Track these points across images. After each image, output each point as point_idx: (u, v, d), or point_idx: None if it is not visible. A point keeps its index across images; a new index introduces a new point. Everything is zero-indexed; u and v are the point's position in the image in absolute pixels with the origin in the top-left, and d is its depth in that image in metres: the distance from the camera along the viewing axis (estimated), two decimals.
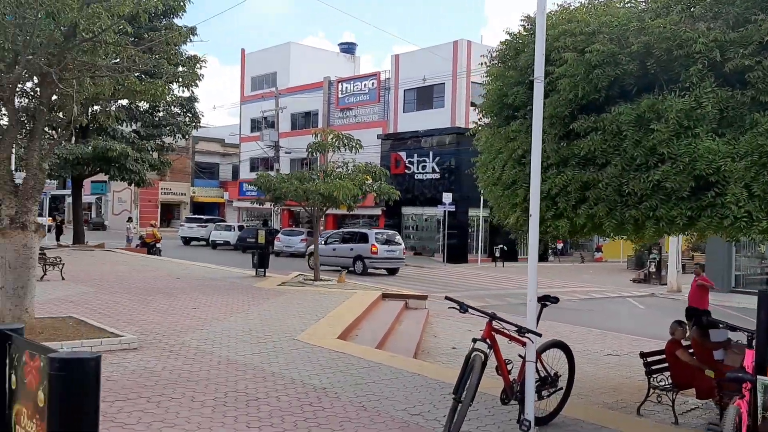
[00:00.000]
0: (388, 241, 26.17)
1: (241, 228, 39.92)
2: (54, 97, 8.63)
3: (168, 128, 27.55)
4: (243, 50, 50.25)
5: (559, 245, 38.60)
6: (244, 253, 35.87)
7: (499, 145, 8.24)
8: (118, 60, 8.52)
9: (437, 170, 34.11)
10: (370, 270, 25.04)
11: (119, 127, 24.67)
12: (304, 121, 44.64)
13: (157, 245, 30.19)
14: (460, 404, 5.62)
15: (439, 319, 15.26)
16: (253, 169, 48.60)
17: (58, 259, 15.24)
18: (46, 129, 10.52)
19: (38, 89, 8.57)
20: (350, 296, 14.93)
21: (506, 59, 8.25)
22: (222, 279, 17.75)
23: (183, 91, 9.21)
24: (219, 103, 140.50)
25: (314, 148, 17.17)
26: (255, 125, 47.91)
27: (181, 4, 19.94)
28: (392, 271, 26.06)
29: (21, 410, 2.31)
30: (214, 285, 16.27)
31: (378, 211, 36.74)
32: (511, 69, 7.98)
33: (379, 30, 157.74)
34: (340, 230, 30.13)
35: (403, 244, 26.99)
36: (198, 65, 9.25)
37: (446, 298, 6.50)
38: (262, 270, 18.38)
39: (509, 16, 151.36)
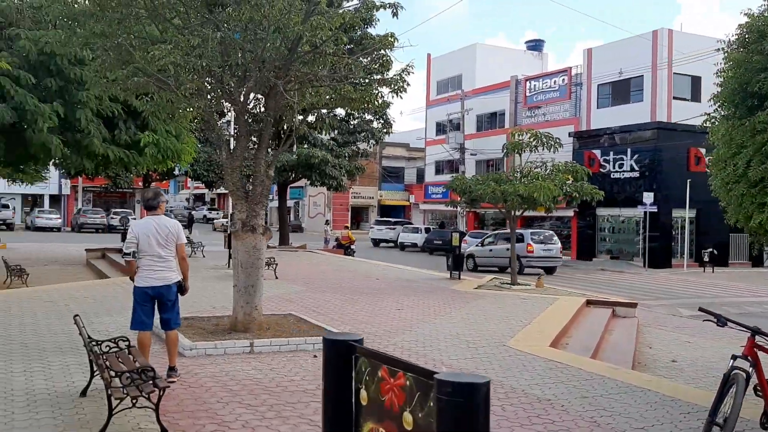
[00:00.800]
0: (544, 241, 26.69)
1: (428, 230, 40.48)
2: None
3: (362, 134, 28.64)
4: (429, 55, 50.99)
5: None
6: (431, 255, 36.40)
7: (741, 138, 7.37)
8: (334, 70, 8.80)
9: (636, 168, 32.07)
10: (526, 269, 25.39)
11: (319, 135, 26.13)
12: (489, 122, 44.26)
13: (351, 247, 31.52)
14: (716, 427, 5.04)
15: (650, 328, 14.20)
16: (438, 172, 49.15)
17: (272, 260, 16.31)
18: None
19: (264, 101, 9.12)
20: (553, 302, 14.36)
21: (748, 43, 7.37)
22: (417, 281, 17.96)
23: (392, 97, 9.32)
24: (403, 109, 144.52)
25: (510, 148, 16.78)
26: (440, 128, 48.40)
27: (373, 15, 20.64)
28: (549, 270, 26.37)
29: (377, 429, 2.25)
30: (411, 286, 16.49)
31: (570, 213, 35.34)
32: (756, 53, 7.11)
33: (563, 26, 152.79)
34: (496, 232, 30.36)
35: (559, 244, 27.21)
36: (406, 71, 9.29)
37: (700, 309, 5.89)
38: (457, 273, 18.34)
39: (706, 3, 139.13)
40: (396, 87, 9.31)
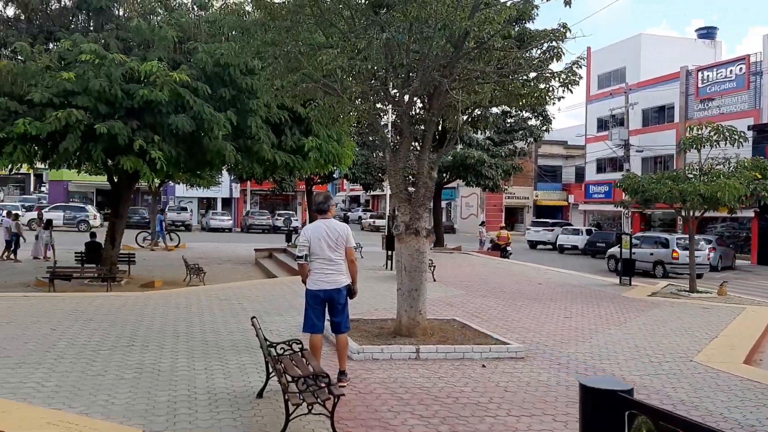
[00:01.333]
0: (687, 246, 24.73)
1: (589, 232, 38.59)
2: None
3: (519, 133, 27.84)
4: (589, 48, 48.69)
5: None
6: (593, 258, 34.61)
7: None
8: (501, 65, 8.42)
9: None
10: (671, 275, 24.76)
11: (474, 134, 25.72)
12: (657, 116, 41.41)
13: (508, 248, 30.75)
14: None
15: None
16: (599, 170, 46.83)
17: (430, 262, 16.17)
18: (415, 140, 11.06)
19: (428, 102, 8.93)
20: (739, 312, 12.95)
21: None
22: (584, 286, 17.01)
23: (564, 91, 8.74)
24: (560, 105, 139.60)
25: (688, 144, 15.38)
26: (601, 125, 46.08)
27: (532, 10, 19.86)
28: (697, 276, 24.27)
29: None
30: (577, 292, 15.63)
31: (750, 213, 32.12)
32: None
33: (732, 12, 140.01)
34: (644, 234, 29.11)
35: (706, 250, 26.11)
36: (576, 64, 8.68)
37: None
38: (627, 278, 17.15)
39: None
40: (567, 80, 8.75)
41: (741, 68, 34.20)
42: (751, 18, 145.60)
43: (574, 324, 11.09)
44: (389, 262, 18.77)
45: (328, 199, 6.90)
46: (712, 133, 15.22)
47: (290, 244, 29.27)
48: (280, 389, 5.39)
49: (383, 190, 47.18)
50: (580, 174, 55.42)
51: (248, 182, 44.55)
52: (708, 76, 36.52)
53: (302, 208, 55.43)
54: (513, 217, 60.75)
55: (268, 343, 6.09)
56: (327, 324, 6.89)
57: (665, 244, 25.52)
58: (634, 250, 24.82)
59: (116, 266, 17.61)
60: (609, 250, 27.42)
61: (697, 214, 15.61)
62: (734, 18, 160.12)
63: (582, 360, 8.44)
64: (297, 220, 49.79)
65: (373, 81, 8.62)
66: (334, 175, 34.64)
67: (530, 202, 60.25)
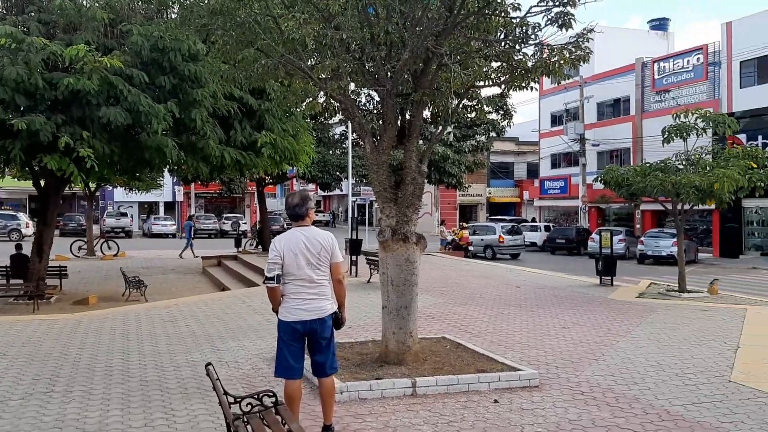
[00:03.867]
0: (511, 233, 30.79)
1: (548, 228, 37.77)
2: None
3: (482, 127, 26.61)
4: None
5: None
6: (553, 255, 33.77)
7: None
8: (506, 34, 6.95)
9: None
10: (498, 256, 29.43)
11: (435, 130, 24.32)
12: (612, 109, 40.94)
13: (470, 248, 29.56)
14: None
15: None
16: (554, 165, 46.23)
17: None
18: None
19: (415, 80, 7.40)
20: (743, 314, 11.88)
21: None
22: (563, 288, 15.78)
23: (570, 68, 7.46)
24: (511, 101, 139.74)
25: (673, 132, 14.29)
26: (555, 119, 45.44)
27: None
28: (515, 256, 30.54)
29: None
30: (560, 296, 14.37)
31: (711, 207, 31.68)
32: None
33: (674, 8, 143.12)
34: (472, 224, 35.04)
35: (523, 234, 32.21)
36: (583, 37, 7.28)
37: None
38: (609, 278, 16.01)
39: None
40: (576, 56, 7.36)
41: (699, 58, 33.87)
42: (693, 16, 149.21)
43: (575, 336, 9.74)
44: (353, 268, 17.21)
45: (305, 201, 5.28)
46: (698, 120, 14.19)
47: (240, 249, 27.37)
48: None
49: (342, 190, 45.42)
50: (531, 170, 54.89)
51: (192, 185, 42.18)
52: (665, 66, 36.13)
53: (251, 210, 53.30)
54: (467, 214, 59.87)
55: (229, 399, 4.46)
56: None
57: (493, 231, 30.09)
58: (470, 237, 30.17)
59: (44, 281, 15.50)
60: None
61: (686, 207, 14.55)
62: (668, 13, 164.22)
63: (606, 386, 7.05)
64: (246, 223, 47.64)
65: (348, 55, 7.02)
66: (288, 175, 32.78)
67: (483, 199, 59.48)
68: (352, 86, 8.22)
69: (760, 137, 30.09)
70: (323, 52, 7.25)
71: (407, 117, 7.82)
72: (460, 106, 8.54)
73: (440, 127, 8.03)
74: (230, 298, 14.02)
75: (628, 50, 40.61)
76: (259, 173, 19.51)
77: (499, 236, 29.59)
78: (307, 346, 5.19)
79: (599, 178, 15.40)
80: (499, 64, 7.43)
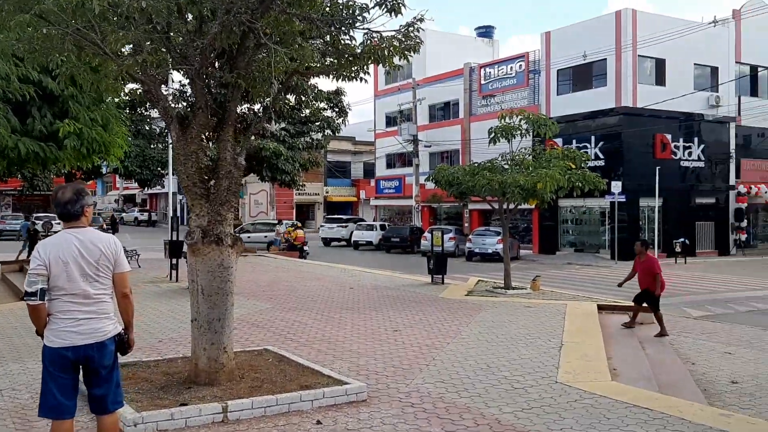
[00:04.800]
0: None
1: (383, 227, 38.08)
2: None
3: (317, 124, 26.00)
4: None
5: (743, 236, 33.76)
6: (388, 253, 34.07)
7: None
8: (332, 13, 6.31)
9: (601, 156, 30.47)
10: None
11: (267, 125, 23.30)
12: (443, 112, 42.19)
13: (305, 248, 28.85)
14: None
15: (676, 337, 12.21)
16: (389, 165, 46.85)
17: None
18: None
19: (230, 61, 6.53)
20: (564, 310, 12.25)
21: None
22: (397, 288, 15.57)
23: (401, 59, 7.04)
24: (348, 99, 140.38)
25: (499, 133, 14.56)
26: (390, 120, 46.04)
27: None
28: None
29: None
30: (393, 296, 14.10)
31: (532, 206, 33.54)
32: None
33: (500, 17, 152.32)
34: (251, 222, 38.54)
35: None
36: (413, 26, 6.83)
37: None
38: (440, 276, 16.05)
39: None
40: (406, 45, 6.88)
41: (521, 65, 35.72)
42: (519, 28, 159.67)
43: (407, 340, 9.37)
44: (173, 272, 15.82)
45: (80, 196, 4.26)
46: (522, 122, 14.57)
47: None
48: None
49: (163, 187, 42.73)
50: (368, 170, 55.42)
51: None
52: (490, 72, 37.74)
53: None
54: (304, 213, 59.20)
55: None
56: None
57: (273, 228, 32.26)
58: (249, 235, 31.88)
59: None
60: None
61: (512, 207, 14.90)
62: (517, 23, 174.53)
63: (437, 395, 6.65)
64: (60, 223, 43.29)
65: (150, 27, 6.01)
66: (103, 170, 30.08)
67: (321, 198, 59.16)
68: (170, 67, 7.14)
69: (574, 141, 32.24)
70: (120, 23, 6.17)
71: (223, 103, 6.91)
72: (286, 95, 7.83)
73: (262, 117, 7.19)
74: (24, 309, 12.18)
75: (457, 55, 42.10)
76: (67, 167, 17.41)
77: (276, 231, 31.68)
78: (82, 377, 4.18)
79: (431, 177, 15.36)
80: (325, 48, 6.75)
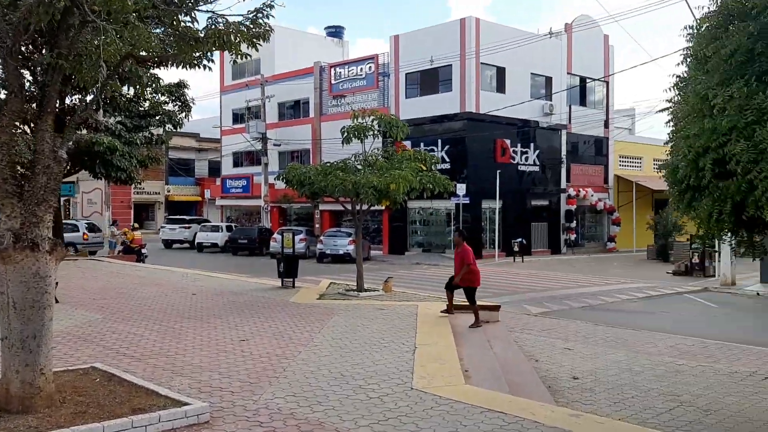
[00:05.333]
0: (93, 229, 32.57)
1: (230, 228, 36.72)
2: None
3: (157, 118, 24.36)
4: None
5: (572, 236, 36.33)
6: (235, 255, 32.89)
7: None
8: None
9: (447, 159, 31.40)
10: (80, 249, 29.70)
11: (101, 118, 21.39)
12: (293, 110, 41.54)
13: (143, 251, 27.01)
14: None
15: (519, 334, 12.63)
16: (236, 164, 45.38)
17: None
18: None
19: (51, 41, 5.66)
20: (416, 312, 12.26)
21: None
22: (245, 293, 14.87)
23: (249, 48, 6.50)
24: (192, 94, 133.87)
25: (352, 133, 14.34)
26: (237, 117, 44.60)
27: None
28: (93, 252, 30.70)
29: None
30: (241, 302, 13.41)
31: (380, 207, 33.88)
32: None
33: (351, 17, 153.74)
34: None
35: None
36: (264, 14, 6.35)
37: None
38: (290, 280, 15.53)
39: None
40: (254, 32, 6.38)
41: (371, 67, 35.95)
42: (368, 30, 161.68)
43: (255, 350, 8.80)
44: None
45: None
46: (375, 123, 14.44)
47: None
48: None
49: None
50: (213, 168, 53.44)
51: None
52: (340, 72, 37.67)
53: None
54: (143, 213, 55.89)
55: None
56: None
57: (77, 228, 31.15)
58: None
59: None
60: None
61: (365, 207, 14.71)
62: (364, 25, 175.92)
63: (288, 411, 6.20)
64: None
65: None
66: None
67: (162, 197, 56.15)
68: None
69: (422, 144, 32.98)
70: None
71: (43, 88, 5.99)
72: (120, 83, 6.98)
73: (88, 106, 6.34)
74: None
75: (307, 54, 41.67)
76: None
77: (83, 233, 30.89)
78: None
79: (281, 177, 14.80)
80: (164, 30, 6.06)
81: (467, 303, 13.95)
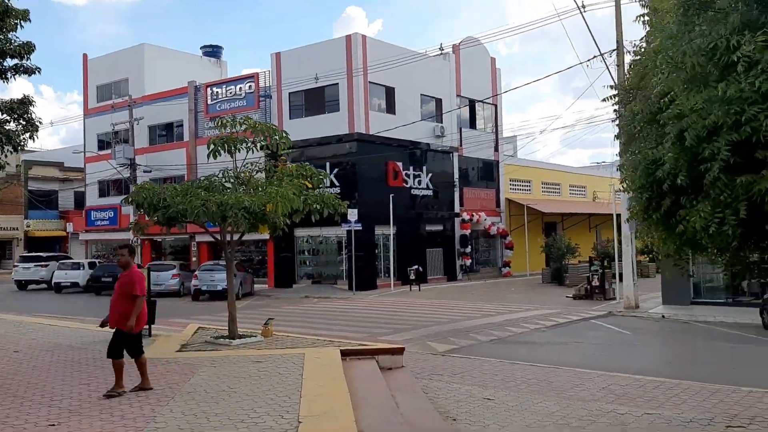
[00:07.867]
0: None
1: (93, 265, 32.51)
2: None
3: None
4: (85, 55, 42.58)
5: (467, 261, 35.01)
6: (98, 296, 28.87)
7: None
8: None
9: (337, 183, 29.10)
10: None
11: None
12: (165, 133, 37.95)
13: None
14: None
15: (428, 381, 10.44)
16: (102, 194, 40.97)
17: None
18: None
19: None
20: (303, 362, 9.77)
21: None
22: (85, 346, 11.84)
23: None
24: (53, 118, 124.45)
25: (219, 145, 11.76)
26: (103, 143, 40.37)
27: None
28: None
29: None
30: (73, 360, 10.41)
31: (265, 236, 31.05)
32: None
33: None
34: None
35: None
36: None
37: None
38: (146, 327, 12.57)
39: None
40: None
41: (251, 86, 33.29)
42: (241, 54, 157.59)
43: None
44: None
45: None
46: (247, 130, 11.96)
47: None
48: None
49: None
50: (79, 200, 48.43)
51: None
52: (217, 92, 34.73)
53: None
54: None
55: None
56: None
57: None
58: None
59: None
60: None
61: (241, 237, 12.06)
62: (243, 45, 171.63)
63: None
64: None
65: None
66: None
67: (21, 233, 50.31)
68: None
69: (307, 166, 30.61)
70: None
71: None
72: None
73: None
74: None
75: (181, 74, 38.49)
76: None
77: None
78: None
79: (129, 199, 11.87)
80: None
81: (365, 347, 11.64)
